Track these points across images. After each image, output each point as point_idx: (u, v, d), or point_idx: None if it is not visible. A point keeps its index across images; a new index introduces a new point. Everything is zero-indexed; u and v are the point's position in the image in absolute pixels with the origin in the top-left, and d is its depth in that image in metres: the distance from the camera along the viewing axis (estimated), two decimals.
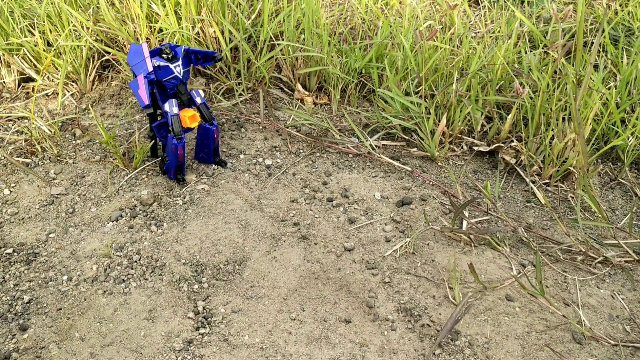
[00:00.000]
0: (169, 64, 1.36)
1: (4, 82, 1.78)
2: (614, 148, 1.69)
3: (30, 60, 1.76)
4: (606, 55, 1.84)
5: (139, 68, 1.34)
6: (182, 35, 1.72)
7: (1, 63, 1.77)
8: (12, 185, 1.47)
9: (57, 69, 1.76)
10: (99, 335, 1.12)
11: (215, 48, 1.77)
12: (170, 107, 1.38)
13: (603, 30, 1.86)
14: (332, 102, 1.78)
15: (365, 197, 1.49)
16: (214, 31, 1.72)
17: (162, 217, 1.39)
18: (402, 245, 1.36)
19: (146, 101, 1.31)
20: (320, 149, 1.65)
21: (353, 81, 1.78)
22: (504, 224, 1.44)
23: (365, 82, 1.86)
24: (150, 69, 1.34)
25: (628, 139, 1.63)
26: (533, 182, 1.59)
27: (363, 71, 1.85)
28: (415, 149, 1.65)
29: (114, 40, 1.82)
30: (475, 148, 1.67)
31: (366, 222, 1.42)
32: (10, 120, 1.67)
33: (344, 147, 1.64)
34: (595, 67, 1.80)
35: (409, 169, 1.60)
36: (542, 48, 1.80)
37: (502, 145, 1.64)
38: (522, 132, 1.67)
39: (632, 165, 1.69)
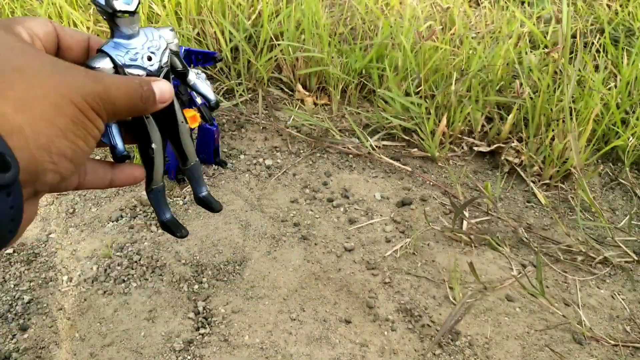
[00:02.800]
0: None
1: None
2: (615, 148, 1.69)
3: None
4: (606, 56, 1.84)
5: None
6: (183, 35, 1.72)
7: None
8: None
9: None
10: (99, 335, 1.12)
11: (216, 48, 1.77)
12: None
13: (602, 31, 1.86)
14: (333, 103, 1.78)
15: (366, 198, 1.49)
16: (214, 31, 1.72)
17: None
18: (402, 246, 1.36)
19: None
20: (320, 149, 1.65)
21: (353, 81, 1.78)
22: (504, 224, 1.44)
23: (366, 82, 1.86)
24: None
25: (628, 139, 1.63)
26: (533, 183, 1.58)
27: (363, 71, 1.85)
28: (415, 149, 1.65)
29: None
30: (476, 148, 1.67)
31: (366, 222, 1.42)
32: None
33: (344, 148, 1.64)
34: (596, 67, 1.80)
35: (410, 169, 1.60)
36: (543, 48, 1.80)
37: (503, 145, 1.64)
38: (522, 133, 1.67)
39: (632, 166, 1.69)
